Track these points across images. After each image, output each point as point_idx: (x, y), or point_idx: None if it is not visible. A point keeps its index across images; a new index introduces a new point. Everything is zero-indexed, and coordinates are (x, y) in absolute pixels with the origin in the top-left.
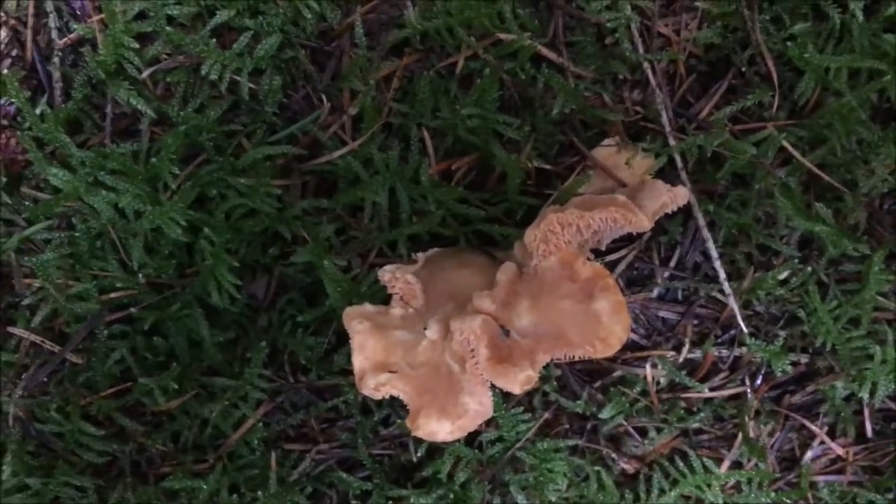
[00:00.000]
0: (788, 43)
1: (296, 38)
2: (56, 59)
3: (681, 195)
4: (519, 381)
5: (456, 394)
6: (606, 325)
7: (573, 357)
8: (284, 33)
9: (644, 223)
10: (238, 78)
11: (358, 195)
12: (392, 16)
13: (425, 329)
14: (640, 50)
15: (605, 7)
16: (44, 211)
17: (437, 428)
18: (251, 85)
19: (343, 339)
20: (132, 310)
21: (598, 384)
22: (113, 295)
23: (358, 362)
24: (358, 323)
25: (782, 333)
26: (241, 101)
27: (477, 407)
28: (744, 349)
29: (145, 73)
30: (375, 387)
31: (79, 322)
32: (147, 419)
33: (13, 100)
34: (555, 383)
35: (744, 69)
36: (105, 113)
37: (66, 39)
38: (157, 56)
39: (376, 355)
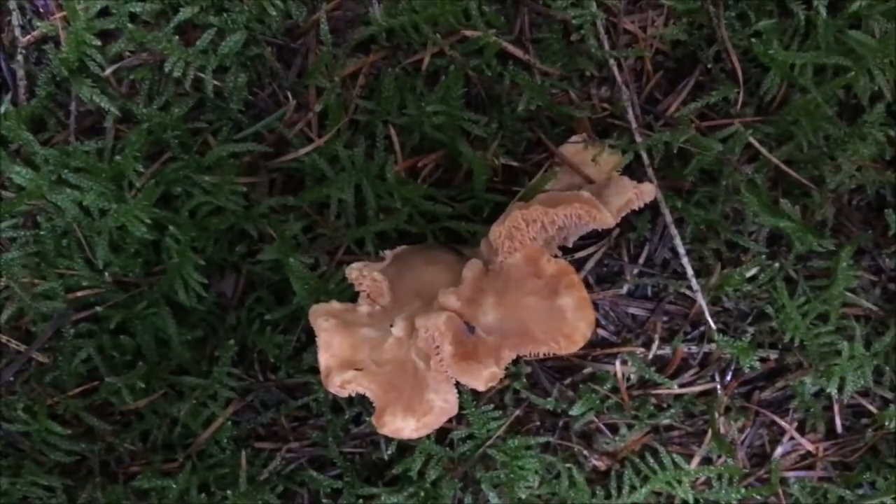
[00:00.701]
0: (754, 39)
1: (261, 35)
2: (20, 57)
3: (647, 192)
4: (483, 378)
5: (421, 391)
6: (571, 321)
7: (538, 354)
8: (249, 30)
9: (608, 220)
10: (202, 75)
11: (324, 193)
12: (357, 13)
13: (391, 326)
14: (607, 47)
15: (571, 4)
16: (8, 209)
17: (403, 425)
18: (216, 82)
19: (312, 336)
20: (98, 308)
21: (568, 381)
22: (79, 293)
23: (324, 360)
24: (324, 321)
25: (751, 329)
26: (207, 98)
27: (442, 404)
28: (713, 345)
29: (108, 71)
30: (341, 384)
31: (45, 321)
32: (115, 418)
33: None
34: (525, 380)
35: (710, 66)
36: (69, 111)
37: (29, 37)
38: (120, 53)
39: (342, 353)
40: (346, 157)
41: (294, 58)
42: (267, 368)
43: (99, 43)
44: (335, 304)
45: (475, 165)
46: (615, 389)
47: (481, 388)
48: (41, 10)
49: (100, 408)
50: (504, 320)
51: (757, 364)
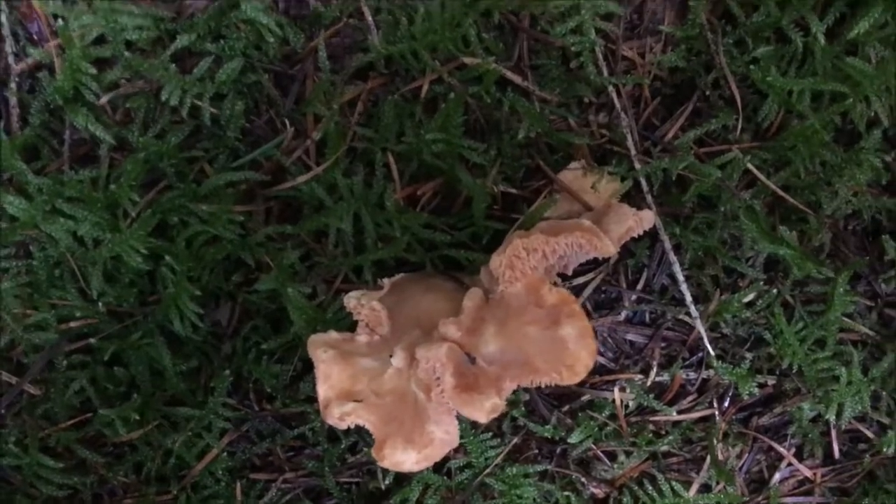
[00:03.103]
0: (752, 66)
1: (258, 62)
2: (13, 85)
3: (647, 219)
4: (485, 410)
5: (422, 423)
6: (573, 351)
7: (540, 384)
8: (247, 57)
9: (610, 248)
10: (199, 103)
11: (322, 221)
12: (356, 40)
13: (391, 357)
14: (605, 73)
15: (570, 31)
16: (0, 239)
17: (404, 458)
18: (213, 110)
19: (309, 365)
20: (92, 340)
21: (566, 408)
22: (72, 324)
23: (322, 391)
24: (322, 351)
25: (749, 355)
26: (203, 126)
27: (443, 436)
28: (711, 371)
29: (104, 99)
30: (340, 416)
31: (37, 352)
32: (108, 450)
33: None
34: (523, 408)
35: (708, 92)
36: (63, 139)
37: (22, 65)
38: (115, 81)
39: (341, 384)
40: (344, 185)
41: (291, 85)
42: (263, 398)
43: (94, 71)
44: (333, 334)
45: (474, 192)
46: (613, 416)
47: (483, 420)
48: (35, 36)
49: (92, 440)
50: (505, 350)
51: (755, 390)
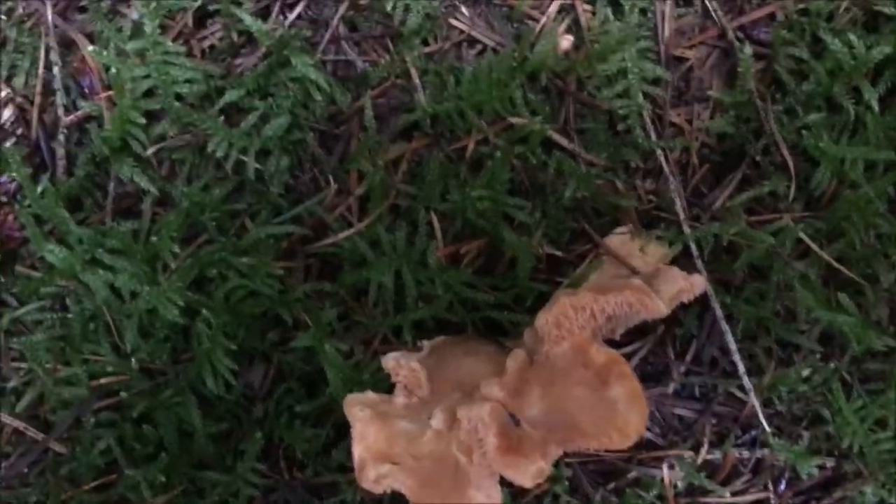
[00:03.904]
0: (804, 132)
1: (304, 120)
2: (61, 137)
3: (697, 283)
4: (530, 474)
5: (462, 487)
6: (623, 414)
7: (588, 449)
8: (293, 115)
9: (661, 308)
10: (244, 158)
11: (363, 276)
12: (402, 100)
13: (430, 419)
14: (653, 137)
15: (617, 95)
16: (37, 287)
17: None
18: (257, 165)
19: (343, 433)
20: (122, 394)
21: (612, 486)
22: (103, 381)
23: (358, 452)
24: (359, 410)
25: (806, 434)
26: (247, 181)
27: (485, 500)
28: (766, 451)
29: (150, 150)
30: (376, 479)
31: (65, 408)
32: None
33: (14, 174)
34: (566, 483)
35: (758, 158)
36: (107, 191)
37: (72, 117)
38: (163, 134)
39: (378, 445)
40: (387, 241)
41: (336, 144)
42: (294, 465)
43: (143, 121)
44: (371, 395)
45: (519, 252)
46: (661, 497)
47: (528, 484)
48: (86, 90)
49: None
50: (551, 413)
51: (814, 471)
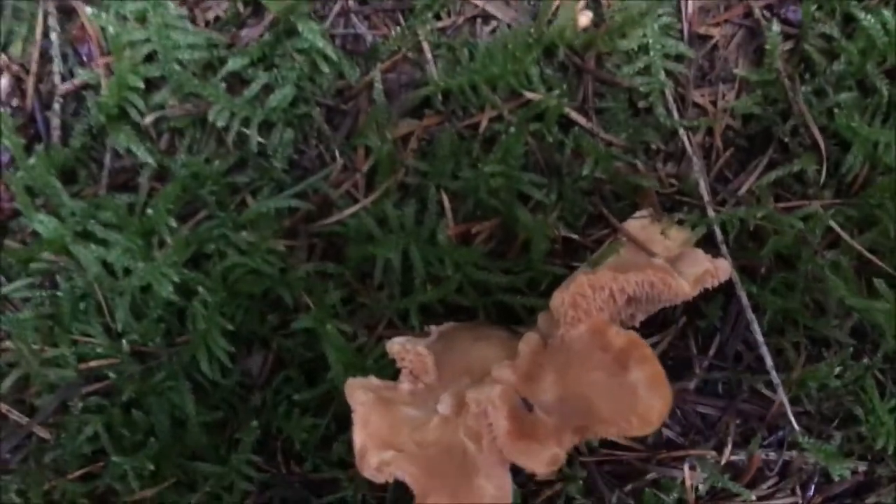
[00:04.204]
0: (835, 110)
1: (311, 94)
2: (56, 106)
3: (723, 268)
4: (544, 460)
5: (470, 476)
6: (644, 398)
7: (606, 436)
8: (299, 88)
9: (685, 288)
10: (246, 131)
11: (370, 251)
12: (413, 76)
13: (437, 405)
14: (676, 116)
15: (638, 71)
16: (27, 261)
17: None
18: (260, 139)
19: (344, 425)
20: (110, 374)
21: (629, 488)
22: (92, 363)
23: (360, 438)
24: (362, 394)
25: (838, 435)
26: (249, 155)
27: (494, 491)
28: (794, 452)
29: (149, 119)
30: (378, 466)
31: (52, 391)
32: None
33: (6, 141)
34: (581, 483)
35: (786, 140)
36: (103, 164)
37: (68, 85)
38: (162, 103)
39: (381, 432)
40: (394, 216)
41: (343, 120)
42: (291, 459)
43: (142, 85)
44: (374, 380)
45: (534, 233)
46: (682, 500)
47: (541, 470)
48: (84, 58)
49: (102, 497)
50: (566, 399)
51: (847, 473)
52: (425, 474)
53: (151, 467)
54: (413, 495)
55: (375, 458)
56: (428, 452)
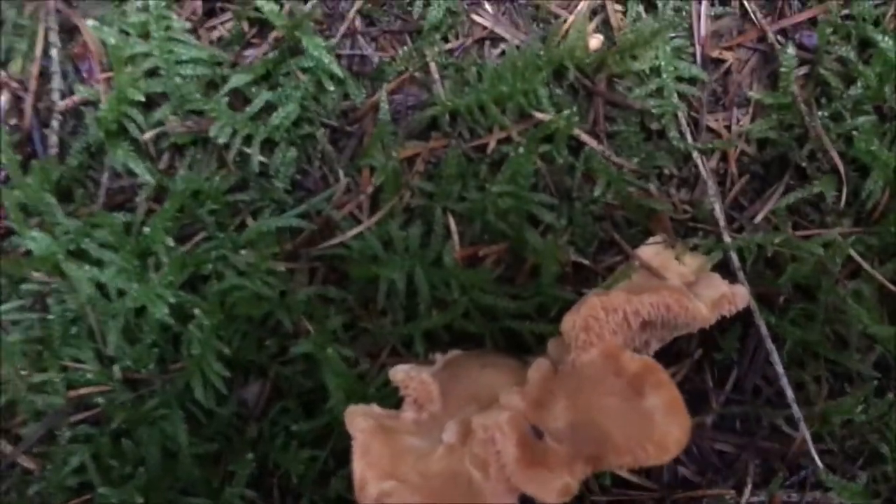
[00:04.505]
0: (854, 133)
1: (315, 114)
2: (55, 123)
3: (740, 295)
4: (555, 489)
5: None
6: (661, 425)
7: (620, 464)
8: (303, 108)
9: (702, 311)
10: (248, 150)
11: (372, 272)
12: (420, 98)
13: (442, 434)
14: (690, 140)
15: (650, 94)
16: (16, 274)
17: None
18: (262, 158)
19: (343, 460)
20: (100, 400)
21: None
22: (82, 391)
23: (359, 467)
24: (363, 421)
25: (863, 474)
26: (250, 175)
27: None
28: (817, 493)
29: (148, 135)
30: (378, 497)
31: (38, 419)
32: None
33: (3, 158)
34: None
35: (804, 164)
36: (100, 183)
37: (67, 101)
38: (162, 120)
39: (382, 461)
40: (399, 238)
41: (348, 141)
42: (287, 495)
43: (142, 99)
44: (376, 408)
45: (544, 256)
46: None
47: (552, 500)
48: (85, 74)
49: None
50: (578, 426)
51: None
52: None
53: (141, 501)
54: None
55: (375, 489)
56: (432, 484)
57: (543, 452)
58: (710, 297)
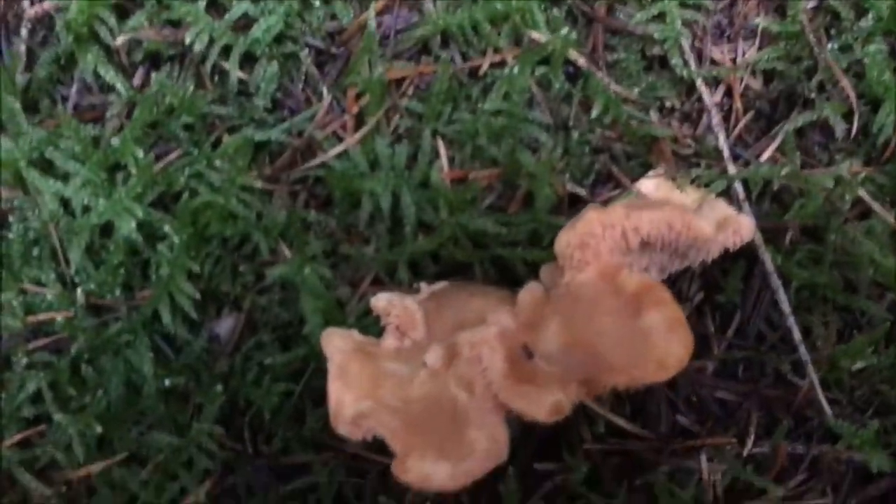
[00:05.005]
0: (867, 60)
1: (299, 32)
2: (24, 31)
3: (745, 225)
4: (545, 405)
5: (460, 429)
6: (660, 343)
7: (616, 384)
8: (287, 25)
9: (706, 230)
10: (225, 65)
11: (355, 187)
12: (410, 20)
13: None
14: (693, 67)
15: (653, 18)
16: None
17: (433, 470)
18: (241, 73)
19: (319, 398)
20: (58, 318)
21: (639, 481)
22: (42, 316)
23: (335, 389)
24: (340, 341)
25: (874, 424)
26: (229, 93)
27: (488, 445)
28: (824, 446)
29: (121, 39)
30: (354, 419)
31: None
32: (59, 489)
33: None
34: (584, 473)
35: (812, 95)
36: (69, 96)
37: (36, 8)
38: (136, 27)
39: (360, 382)
40: (385, 156)
41: (334, 63)
42: (259, 434)
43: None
44: (356, 334)
45: (538, 180)
46: (698, 497)
47: (543, 417)
48: None
49: (41, 472)
50: (572, 349)
51: (887, 466)
52: (408, 430)
53: (99, 430)
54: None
55: (352, 410)
56: (412, 408)
57: (533, 371)
58: (713, 217)
